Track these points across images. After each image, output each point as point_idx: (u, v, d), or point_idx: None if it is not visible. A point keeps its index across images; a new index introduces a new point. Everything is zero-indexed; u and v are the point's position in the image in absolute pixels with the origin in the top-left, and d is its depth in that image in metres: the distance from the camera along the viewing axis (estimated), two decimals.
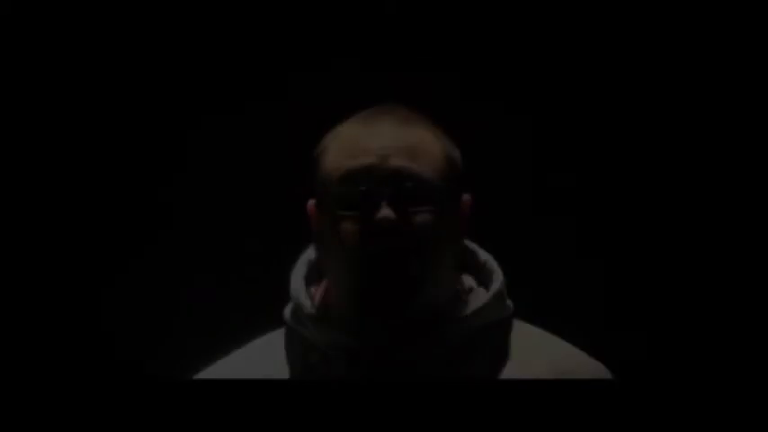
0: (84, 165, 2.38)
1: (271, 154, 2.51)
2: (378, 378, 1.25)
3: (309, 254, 1.34)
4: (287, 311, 1.31)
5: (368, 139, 1.25)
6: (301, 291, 1.30)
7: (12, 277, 2.20)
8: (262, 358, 1.33)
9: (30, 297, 2.22)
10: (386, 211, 1.20)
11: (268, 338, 1.36)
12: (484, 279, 1.33)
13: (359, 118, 1.29)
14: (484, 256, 1.34)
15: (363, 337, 1.25)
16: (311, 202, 1.30)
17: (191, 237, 2.58)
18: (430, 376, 1.26)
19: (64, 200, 2.35)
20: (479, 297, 1.30)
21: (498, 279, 1.31)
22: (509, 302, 1.32)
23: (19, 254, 2.25)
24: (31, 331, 2.19)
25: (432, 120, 1.32)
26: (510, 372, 1.29)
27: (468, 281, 1.34)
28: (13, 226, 2.31)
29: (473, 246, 1.35)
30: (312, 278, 1.33)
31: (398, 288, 1.22)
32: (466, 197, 1.31)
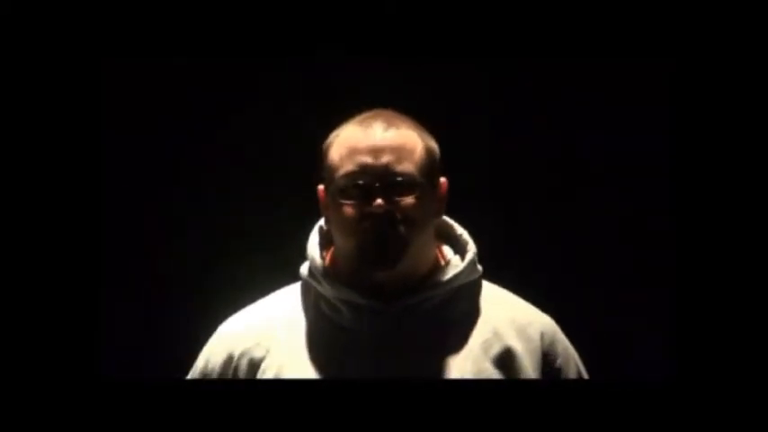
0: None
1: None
2: (377, 329, 1.56)
3: (321, 224, 1.65)
4: (303, 269, 1.63)
5: (363, 140, 1.56)
6: (316, 252, 1.62)
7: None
8: (283, 305, 1.64)
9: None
10: (378, 201, 1.52)
11: (287, 290, 1.68)
12: (460, 249, 1.64)
13: (356, 120, 1.60)
14: (459, 230, 1.66)
15: (365, 292, 1.56)
16: (320, 187, 1.61)
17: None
18: (419, 341, 1.57)
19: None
20: (456, 265, 1.61)
21: (471, 249, 1.63)
22: (479, 267, 1.64)
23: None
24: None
25: (414, 120, 1.61)
26: (479, 322, 1.60)
27: (447, 251, 1.65)
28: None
29: (450, 221, 1.66)
30: (323, 244, 1.64)
31: (390, 245, 1.53)
32: (443, 180, 1.61)
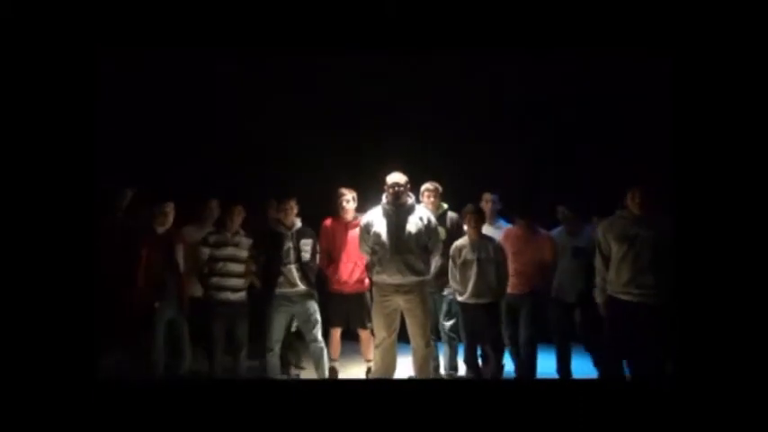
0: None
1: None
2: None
3: (385, 194, 7.85)
4: (383, 202, 7.84)
5: (393, 176, 7.70)
6: (384, 199, 7.84)
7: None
8: (378, 210, 7.83)
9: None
10: (398, 189, 7.73)
11: (378, 207, 7.87)
12: (411, 197, 7.90)
13: (392, 173, 7.77)
14: (411, 194, 7.91)
15: (393, 207, 7.76)
16: (385, 187, 7.77)
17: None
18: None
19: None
20: (411, 200, 7.85)
21: (413, 197, 7.92)
22: (414, 199, 7.92)
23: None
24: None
25: (405, 173, 7.76)
26: (415, 212, 7.83)
27: (410, 198, 7.87)
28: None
29: (410, 192, 7.90)
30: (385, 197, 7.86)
31: (400, 197, 7.75)
32: (408, 186, 7.83)
